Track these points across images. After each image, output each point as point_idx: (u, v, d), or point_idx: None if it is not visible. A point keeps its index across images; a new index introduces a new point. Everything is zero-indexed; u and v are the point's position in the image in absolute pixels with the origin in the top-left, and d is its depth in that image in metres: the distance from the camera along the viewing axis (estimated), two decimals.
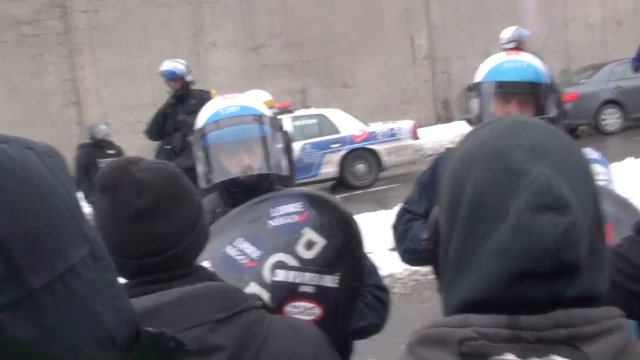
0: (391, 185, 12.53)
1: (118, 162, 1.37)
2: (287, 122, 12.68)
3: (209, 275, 1.38)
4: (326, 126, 12.90)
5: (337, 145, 12.70)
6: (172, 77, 6.95)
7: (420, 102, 18.30)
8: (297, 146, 12.36)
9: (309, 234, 1.84)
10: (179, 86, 6.76)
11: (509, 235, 0.82)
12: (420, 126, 15.05)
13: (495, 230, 0.83)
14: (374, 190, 12.47)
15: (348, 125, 13.04)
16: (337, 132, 12.86)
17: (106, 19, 16.52)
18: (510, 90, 2.44)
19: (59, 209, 0.71)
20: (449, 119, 18.11)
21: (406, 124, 13.40)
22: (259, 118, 2.17)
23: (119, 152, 9.16)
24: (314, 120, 12.91)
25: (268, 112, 2.26)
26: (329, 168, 12.64)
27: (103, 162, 8.61)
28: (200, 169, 2.20)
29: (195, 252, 1.40)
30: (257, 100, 2.34)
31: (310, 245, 1.82)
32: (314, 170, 12.48)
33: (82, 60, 16.47)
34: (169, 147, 6.97)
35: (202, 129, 2.17)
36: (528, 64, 2.51)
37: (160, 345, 0.81)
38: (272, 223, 1.88)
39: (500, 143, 0.87)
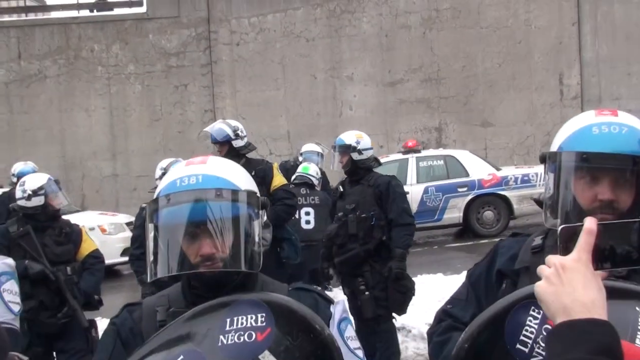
0: None
1: None
2: (412, 163, 12.19)
3: None
4: (454, 168, 12.23)
5: (464, 189, 11.99)
6: (214, 141, 5.91)
7: None
8: (420, 188, 11.87)
9: None
10: (224, 152, 5.67)
11: None
12: None
13: None
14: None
15: (478, 168, 12.29)
16: (465, 174, 12.15)
17: (247, 52, 16.91)
18: (601, 165, 1.74)
19: None
20: None
21: (542, 169, 12.41)
22: (228, 193, 1.67)
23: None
24: (441, 162, 12.30)
25: (248, 185, 1.75)
26: (454, 213, 11.95)
27: None
28: (149, 254, 1.73)
29: None
30: (234, 168, 1.79)
31: None
32: (437, 214, 11.86)
33: (223, 92, 16.93)
34: None
35: (154, 201, 1.71)
36: (630, 129, 1.77)
37: None
38: (223, 339, 1.44)
39: None
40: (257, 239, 1.71)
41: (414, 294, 5.56)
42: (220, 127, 5.83)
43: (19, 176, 8.81)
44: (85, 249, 5.05)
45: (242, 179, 1.77)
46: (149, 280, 1.74)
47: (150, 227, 1.73)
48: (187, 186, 1.67)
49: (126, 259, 8.34)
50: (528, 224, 12.37)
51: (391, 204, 5.44)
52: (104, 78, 16.69)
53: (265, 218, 1.78)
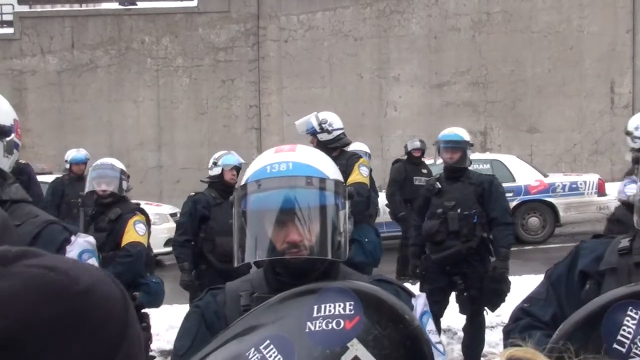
0: (567, 245, 11.38)
1: None
2: None
3: None
4: (500, 173, 12.04)
5: (510, 194, 11.81)
6: (308, 132, 5.80)
7: (615, 155, 16.67)
8: None
9: (357, 349, 1.38)
10: (315, 144, 5.49)
11: None
12: (612, 180, 13.66)
13: None
14: (546, 247, 11.43)
15: (525, 174, 12.12)
16: (512, 180, 11.99)
17: (295, 49, 16.96)
18: None
19: None
20: None
21: (591, 178, 12.20)
22: (317, 181, 1.67)
23: (429, 172, 9.01)
24: (488, 166, 12.14)
25: (335, 174, 1.76)
26: None
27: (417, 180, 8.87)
28: (236, 239, 1.74)
29: None
30: (323, 157, 1.79)
31: None
32: None
33: (269, 88, 17.02)
34: None
35: (242, 187, 1.71)
36: None
37: None
38: (311, 326, 1.43)
39: None
40: (342, 228, 1.72)
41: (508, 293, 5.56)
42: (308, 119, 5.80)
43: (72, 163, 9.00)
44: (125, 240, 4.92)
45: (330, 168, 1.77)
46: (235, 264, 1.76)
47: (236, 212, 1.74)
48: (277, 172, 1.68)
49: (169, 249, 8.44)
50: (574, 232, 12.18)
51: (494, 202, 5.44)
52: (153, 70, 16.91)
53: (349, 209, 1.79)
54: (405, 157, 9.55)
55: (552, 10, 16.81)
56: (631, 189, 3.22)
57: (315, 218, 1.67)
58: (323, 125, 5.66)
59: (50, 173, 11.62)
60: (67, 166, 9.05)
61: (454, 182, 5.58)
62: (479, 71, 16.90)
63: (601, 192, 11.99)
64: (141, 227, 4.96)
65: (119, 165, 5.30)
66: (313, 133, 5.66)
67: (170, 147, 16.89)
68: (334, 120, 5.73)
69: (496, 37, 16.86)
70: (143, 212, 5.20)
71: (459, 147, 5.56)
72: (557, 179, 12.28)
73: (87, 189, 5.22)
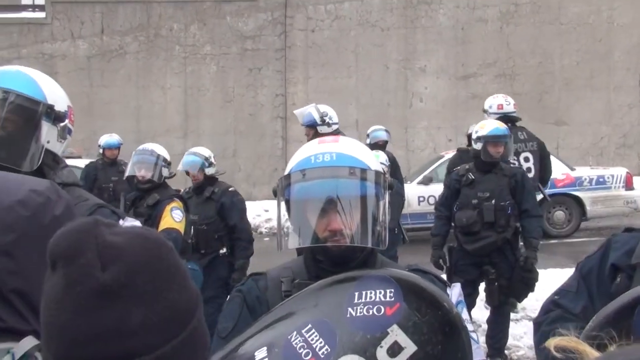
0: (593, 239, 11.34)
1: (82, 223, 0.98)
2: None
3: None
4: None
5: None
6: (302, 124, 5.84)
7: None
8: None
9: (397, 334, 1.43)
10: (310, 136, 5.45)
11: None
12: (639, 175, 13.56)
13: None
14: (572, 241, 11.37)
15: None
16: None
17: (322, 39, 16.97)
18: None
19: None
20: None
21: (619, 172, 12.08)
22: (359, 172, 1.73)
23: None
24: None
25: (376, 165, 1.83)
26: None
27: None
28: (279, 227, 1.82)
29: None
30: (364, 149, 1.86)
31: (396, 350, 1.42)
32: None
33: (295, 77, 17.06)
34: None
35: (286, 177, 1.78)
36: None
37: None
38: (352, 312, 1.50)
39: None
40: (382, 218, 1.78)
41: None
42: (309, 110, 5.85)
43: (105, 148, 9.13)
44: (161, 225, 4.94)
45: (371, 159, 1.84)
46: (279, 250, 1.83)
47: (280, 200, 1.80)
48: (322, 163, 1.74)
49: None
50: (600, 226, 12.11)
51: (527, 194, 5.60)
52: (181, 57, 17.03)
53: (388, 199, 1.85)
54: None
55: (581, 1, 16.62)
56: None
57: (357, 207, 1.73)
58: (324, 118, 5.73)
59: (80, 157, 11.78)
60: (100, 151, 9.17)
61: (486, 173, 5.64)
62: (506, 63, 16.78)
63: (629, 186, 11.89)
64: (178, 214, 4.97)
65: (160, 151, 5.30)
66: (313, 125, 5.71)
67: (196, 134, 17.01)
68: (333, 115, 5.82)
69: (524, 29, 16.72)
70: (181, 198, 5.22)
71: (505, 140, 5.68)
72: (584, 172, 12.17)
73: (127, 173, 5.30)
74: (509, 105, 7.38)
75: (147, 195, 5.10)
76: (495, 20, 16.77)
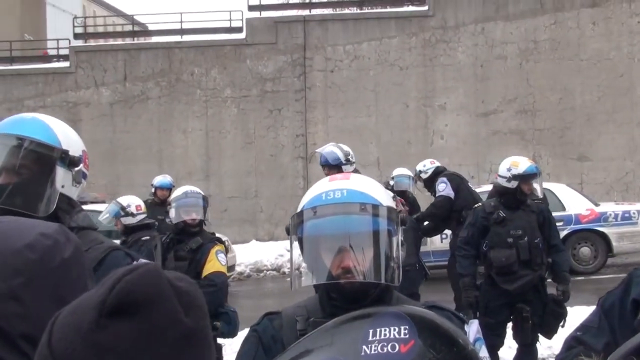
0: (620, 275, 11.09)
1: (149, 268, 0.94)
2: None
3: None
4: (550, 201, 11.85)
5: (561, 223, 11.58)
6: (323, 164, 5.82)
7: None
8: None
9: None
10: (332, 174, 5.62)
11: None
12: None
13: None
14: (598, 278, 11.16)
15: (575, 203, 11.90)
16: (562, 209, 11.80)
17: (341, 79, 17.12)
18: None
19: None
20: None
21: None
22: (371, 208, 1.73)
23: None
24: None
25: (388, 201, 1.82)
26: None
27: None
28: (293, 265, 1.83)
29: None
30: (375, 185, 1.85)
31: None
32: None
33: (315, 117, 17.18)
34: None
35: (298, 214, 1.78)
36: None
37: None
38: (367, 349, 1.44)
39: None
40: (395, 254, 1.75)
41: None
42: (332, 149, 5.81)
43: (157, 188, 9.37)
44: (207, 269, 4.81)
45: (383, 196, 1.82)
46: (292, 288, 1.81)
47: (293, 239, 1.80)
48: (332, 199, 1.73)
49: None
50: (627, 262, 11.88)
51: (554, 230, 5.65)
52: (202, 101, 17.26)
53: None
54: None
55: (601, 37, 16.62)
56: None
57: (369, 244, 1.71)
58: (348, 157, 5.73)
59: (104, 202, 11.91)
60: (152, 190, 9.39)
61: (515, 210, 5.55)
62: (527, 99, 16.76)
63: None
64: (222, 257, 4.91)
65: (200, 192, 5.26)
66: (339, 164, 5.66)
67: (218, 176, 17.13)
68: (352, 153, 5.86)
69: (544, 65, 16.73)
70: (220, 240, 5.13)
71: (536, 177, 5.65)
72: (608, 208, 12.01)
73: (175, 219, 5.05)
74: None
75: (188, 239, 4.96)
76: (515, 57, 16.82)
